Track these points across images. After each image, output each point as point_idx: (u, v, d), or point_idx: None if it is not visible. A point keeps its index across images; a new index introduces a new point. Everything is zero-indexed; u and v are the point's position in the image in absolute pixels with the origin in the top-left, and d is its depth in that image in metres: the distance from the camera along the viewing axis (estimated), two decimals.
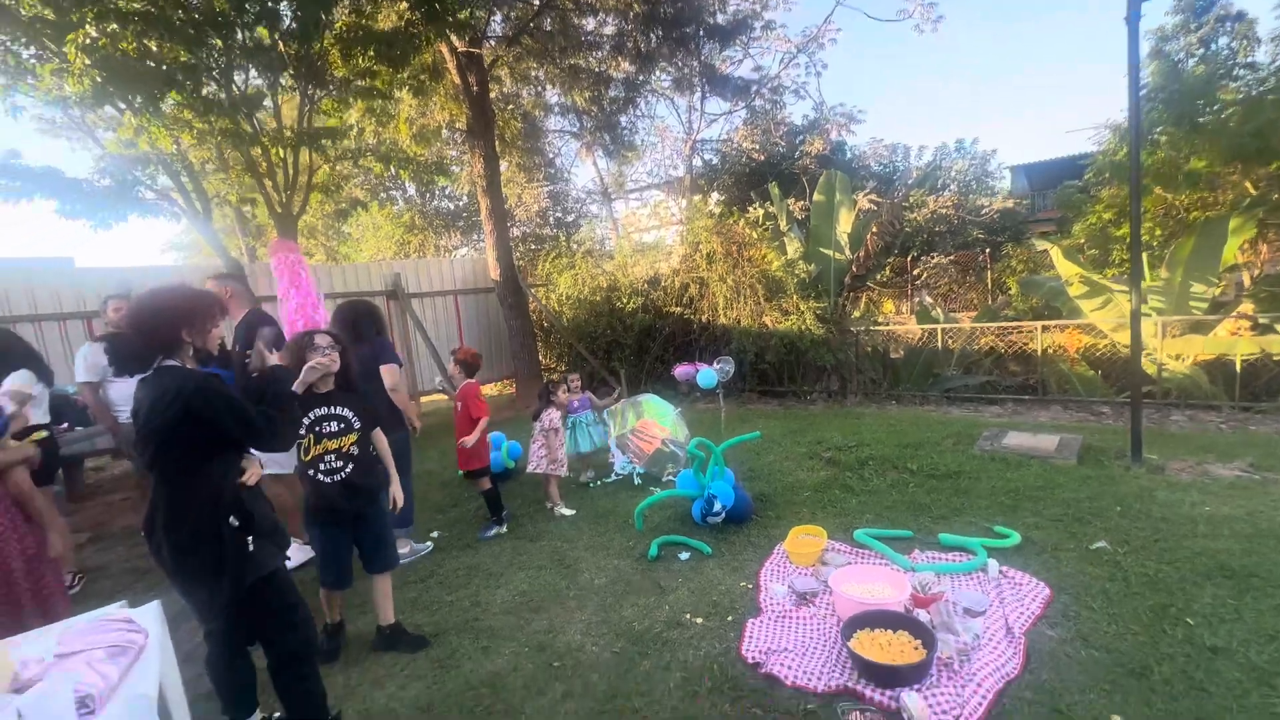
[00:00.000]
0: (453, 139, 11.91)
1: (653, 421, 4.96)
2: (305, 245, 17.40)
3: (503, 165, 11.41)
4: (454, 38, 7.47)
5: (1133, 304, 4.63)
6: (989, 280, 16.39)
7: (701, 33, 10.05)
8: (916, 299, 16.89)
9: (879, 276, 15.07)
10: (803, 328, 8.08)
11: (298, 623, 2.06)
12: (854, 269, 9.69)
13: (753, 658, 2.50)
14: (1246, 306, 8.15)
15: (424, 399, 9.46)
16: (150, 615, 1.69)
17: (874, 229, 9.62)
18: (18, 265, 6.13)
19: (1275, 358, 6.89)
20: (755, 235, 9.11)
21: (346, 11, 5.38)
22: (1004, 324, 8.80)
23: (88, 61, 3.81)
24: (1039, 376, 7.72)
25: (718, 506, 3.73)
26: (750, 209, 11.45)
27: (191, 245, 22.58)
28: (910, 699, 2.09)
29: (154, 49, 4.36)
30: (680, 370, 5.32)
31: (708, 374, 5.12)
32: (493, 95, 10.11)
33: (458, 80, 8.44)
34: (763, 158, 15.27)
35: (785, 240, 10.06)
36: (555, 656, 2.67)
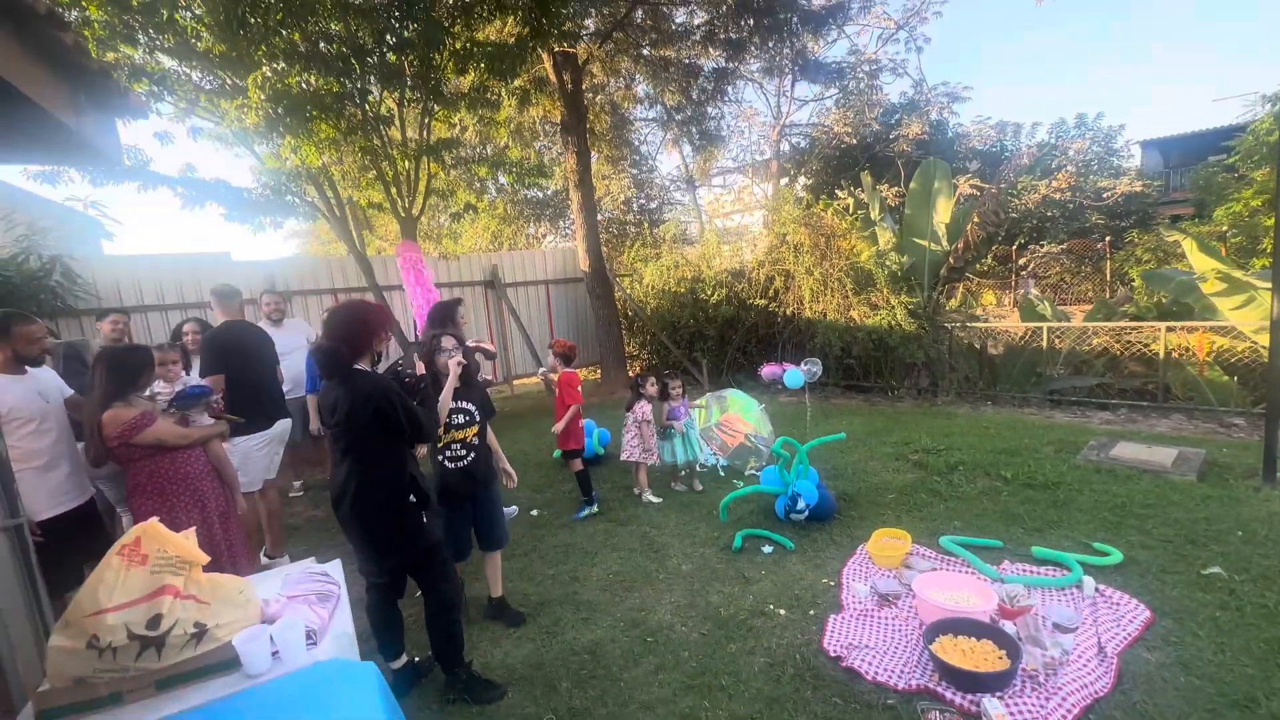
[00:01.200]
0: (544, 130, 12.40)
1: (737, 416, 5.12)
2: (422, 245, 18.77)
3: (593, 157, 11.77)
4: (554, 45, 7.80)
5: (1274, 306, 4.23)
6: (1107, 271, 14.98)
7: (796, 19, 9.82)
8: (1021, 290, 15.74)
9: (979, 266, 14.20)
10: (892, 323, 7.88)
11: (450, 576, 2.52)
12: (951, 260, 9.27)
13: (834, 651, 2.65)
14: None
15: (517, 382, 10.10)
16: (337, 570, 2.11)
17: (975, 218, 9.13)
18: (183, 260, 7.15)
19: None
20: (845, 225, 8.92)
21: (460, 27, 5.82)
22: (1120, 324, 8.12)
23: (264, 96, 4.46)
24: (1160, 381, 7.11)
25: (801, 504, 3.86)
26: (839, 195, 11.16)
27: (307, 233, 24.91)
28: (991, 704, 2.17)
29: (312, 81, 4.99)
30: (767, 370, 5.42)
31: (794, 375, 5.20)
32: (584, 88, 10.43)
33: (553, 79, 8.80)
34: (855, 141, 14.73)
35: (877, 230, 9.74)
36: (648, 633, 2.94)
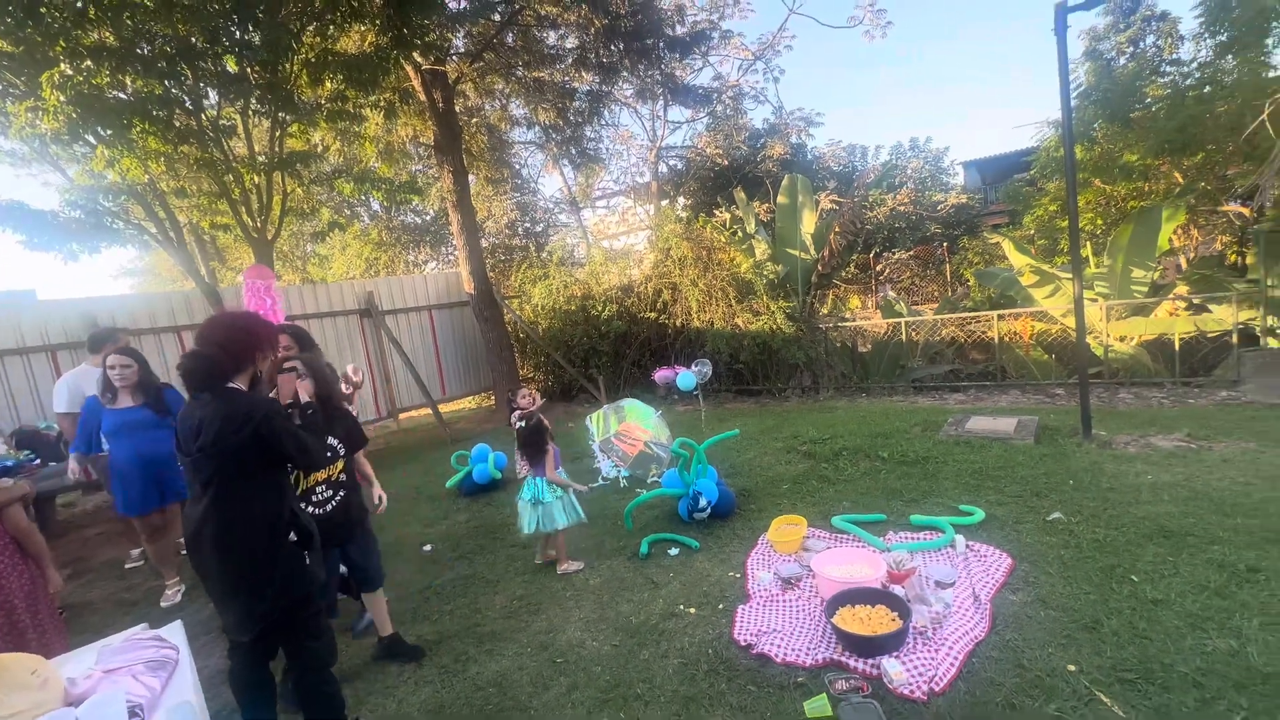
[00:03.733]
0: (418, 154, 11.92)
1: (635, 424, 5.11)
2: (278, 269, 17.14)
3: (470, 179, 11.48)
4: (419, 57, 7.55)
5: (1075, 291, 4.98)
6: (948, 273, 17.04)
7: (662, 45, 10.30)
8: (881, 294, 17.43)
9: (844, 273, 15.54)
10: (774, 327, 8.35)
11: (323, 631, 2.18)
12: (820, 268, 10.03)
13: (745, 640, 2.66)
14: (1181, 288, 8.72)
15: (404, 415, 9.45)
16: (177, 632, 1.77)
17: (836, 228, 9.99)
18: None
19: (1209, 335, 7.41)
20: (723, 239, 9.38)
21: (312, 35, 5.42)
22: (963, 315, 9.22)
23: (62, 98, 3.80)
24: (997, 363, 8.13)
25: (703, 503, 3.90)
26: (717, 213, 11.75)
27: (146, 270, 21.94)
28: (890, 664, 2.28)
29: (127, 83, 4.35)
30: (660, 374, 5.49)
31: (687, 376, 5.31)
32: (457, 109, 10.19)
33: (423, 97, 8.50)
34: (726, 163, 15.64)
35: (753, 243, 10.35)
36: (557, 654, 2.79)
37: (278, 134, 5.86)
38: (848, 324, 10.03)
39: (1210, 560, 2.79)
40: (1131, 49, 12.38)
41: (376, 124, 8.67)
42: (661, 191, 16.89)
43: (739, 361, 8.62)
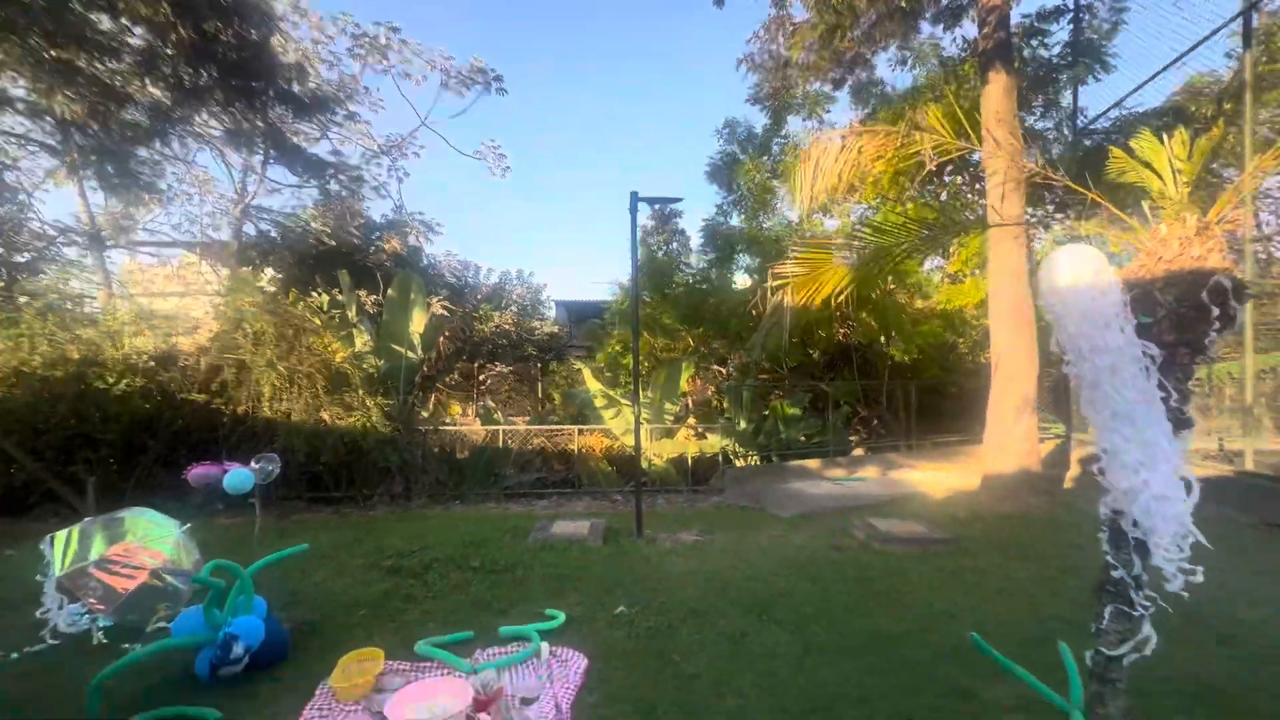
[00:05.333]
0: None
1: (139, 546, 3.59)
2: None
3: None
4: None
5: (634, 415, 6.13)
6: (540, 390, 19.11)
7: (273, 94, 9.06)
8: (481, 403, 18.12)
9: (449, 379, 15.63)
10: (368, 425, 7.53)
11: None
12: (425, 368, 9.78)
13: None
14: (692, 420, 11.85)
15: None
16: None
17: (446, 333, 10.06)
18: None
19: (707, 455, 10.14)
20: (319, 321, 8.24)
21: None
22: (551, 427, 10.29)
23: None
24: (575, 472, 9.21)
25: (239, 650, 2.88)
26: (315, 294, 10.40)
27: None
28: None
29: None
30: (197, 472, 4.12)
31: (240, 475, 4.11)
32: None
33: None
34: (334, 243, 14.34)
35: (354, 331, 9.44)
36: None
37: None
38: (449, 428, 9.89)
39: (721, 632, 3.50)
40: (666, 247, 17.41)
41: None
42: (244, 255, 14.11)
43: (319, 463, 7.33)
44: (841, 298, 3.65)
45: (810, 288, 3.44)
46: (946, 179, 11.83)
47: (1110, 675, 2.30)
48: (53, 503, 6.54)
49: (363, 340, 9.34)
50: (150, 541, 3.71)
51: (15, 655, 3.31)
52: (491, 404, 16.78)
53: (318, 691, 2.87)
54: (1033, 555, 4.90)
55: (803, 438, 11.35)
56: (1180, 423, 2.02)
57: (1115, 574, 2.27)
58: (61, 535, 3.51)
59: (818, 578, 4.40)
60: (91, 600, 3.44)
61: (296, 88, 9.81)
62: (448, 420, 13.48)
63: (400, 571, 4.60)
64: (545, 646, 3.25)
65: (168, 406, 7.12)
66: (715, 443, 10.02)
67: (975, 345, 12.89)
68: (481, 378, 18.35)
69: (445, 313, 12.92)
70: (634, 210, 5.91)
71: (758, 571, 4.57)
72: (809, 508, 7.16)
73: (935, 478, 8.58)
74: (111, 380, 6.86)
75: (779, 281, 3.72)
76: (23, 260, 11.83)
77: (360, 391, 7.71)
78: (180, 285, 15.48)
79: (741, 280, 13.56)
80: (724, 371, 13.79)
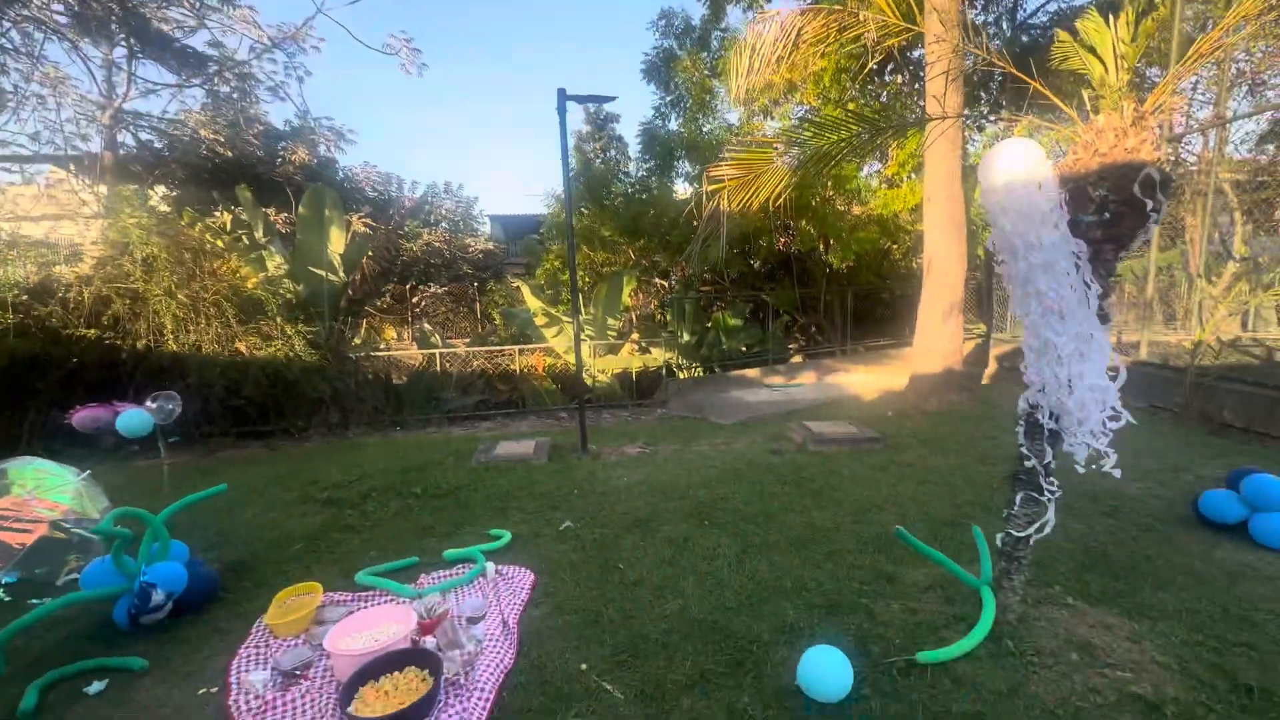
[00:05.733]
0: None
1: (31, 498, 3.28)
2: None
3: None
4: None
5: (574, 332, 5.98)
6: (478, 310, 18.49)
7: None
8: (417, 326, 17.44)
9: (379, 303, 14.86)
10: (291, 354, 7.07)
11: None
12: (351, 292, 9.20)
13: None
14: (635, 335, 11.82)
15: None
16: None
17: (370, 253, 9.38)
18: None
19: (651, 369, 10.21)
20: (221, 244, 7.46)
21: None
22: (491, 349, 10.01)
23: None
24: (519, 392, 9.10)
25: (159, 597, 2.73)
26: (217, 213, 9.37)
27: None
28: None
29: None
30: (80, 415, 3.74)
31: (134, 416, 3.77)
32: None
33: None
34: (231, 154, 12.79)
35: (264, 254, 8.64)
36: None
37: None
38: (382, 354, 9.46)
39: (664, 538, 3.61)
40: (603, 155, 16.51)
41: None
42: (123, 170, 12.40)
43: (241, 396, 6.89)
44: (780, 202, 3.51)
45: (748, 191, 3.28)
46: (888, 78, 11.53)
47: (1017, 553, 2.50)
48: None
49: (275, 263, 8.59)
50: (44, 492, 3.40)
51: None
52: (428, 327, 16.18)
53: (253, 630, 2.79)
54: (952, 448, 5.26)
55: (744, 348, 11.58)
56: (1103, 317, 2.07)
57: (1028, 464, 2.40)
58: None
59: (757, 481, 4.58)
60: None
61: None
62: (381, 345, 12.94)
63: (337, 503, 4.47)
64: (491, 566, 3.25)
65: (53, 344, 6.40)
66: (658, 356, 10.08)
67: (909, 251, 13.22)
68: (415, 300, 17.54)
69: (368, 230, 12.00)
70: (562, 110, 5.44)
71: (700, 479, 4.70)
72: (749, 415, 7.39)
73: (867, 380, 9.01)
74: None
75: (714, 185, 3.52)
76: None
77: (279, 319, 7.18)
78: (53, 207, 13.60)
79: (682, 190, 13.13)
80: (666, 285, 13.68)
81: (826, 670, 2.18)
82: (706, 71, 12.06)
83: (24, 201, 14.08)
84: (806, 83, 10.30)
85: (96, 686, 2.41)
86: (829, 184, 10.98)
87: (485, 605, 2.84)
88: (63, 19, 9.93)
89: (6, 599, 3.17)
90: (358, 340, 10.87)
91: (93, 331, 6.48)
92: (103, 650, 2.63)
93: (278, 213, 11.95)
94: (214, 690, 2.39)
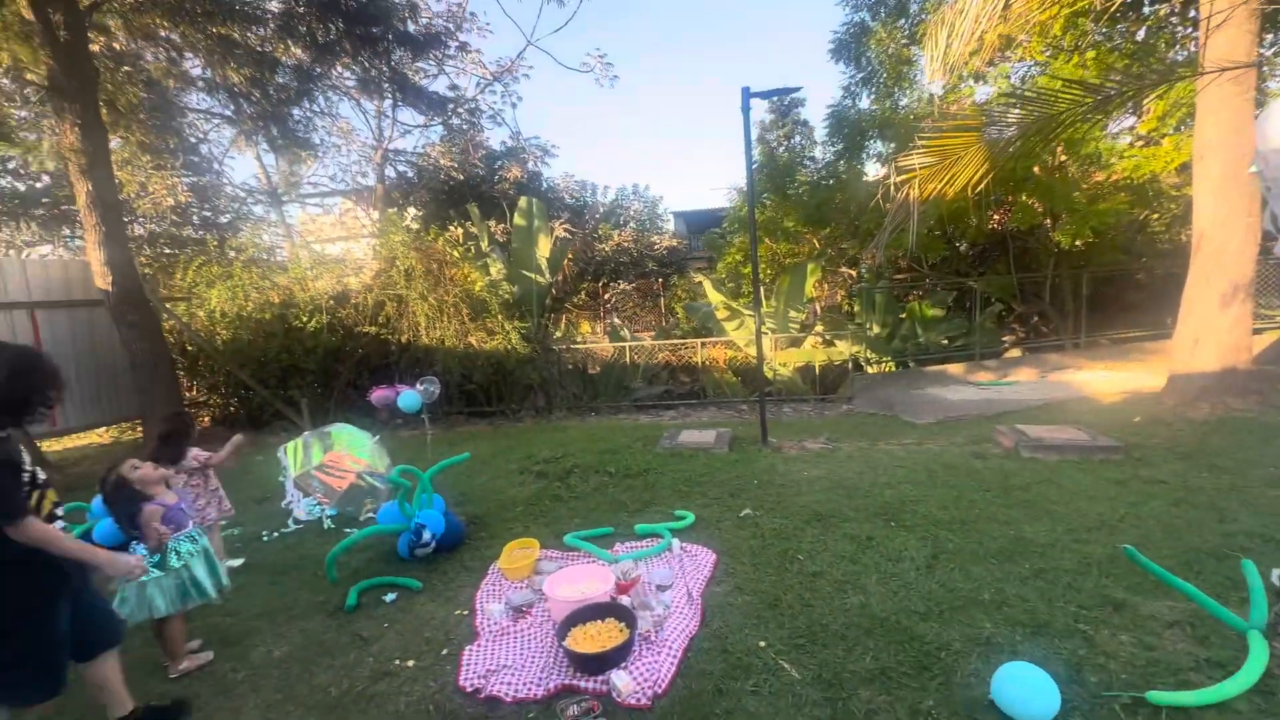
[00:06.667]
0: (24, 95, 8.64)
1: (345, 454, 4.39)
2: None
3: (115, 143, 8.74)
4: None
5: (756, 326, 6.06)
6: (663, 305, 19.37)
7: (391, 37, 9.48)
8: (608, 320, 18.86)
9: (576, 299, 16.39)
10: (509, 347, 8.25)
11: None
12: (554, 291, 10.34)
13: (471, 685, 2.42)
14: (820, 327, 11.41)
15: None
16: None
17: (570, 255, 10.44)
18: None
19: (836, 363, 9.80)
20: (457, 254, 8.96)
21: None
22: (675, 341, 10.51)
23: None
24: (700, 384, 9.43)
25: (427, 536, 3.52)
26: (451, 227, 11.21)
27: None
28: (618, 677, 2.31)
29: None
30: (377, 395, 4.86)
31: (410, 396, 4.80)
32: (97, 49, 7.69)
33: (29, 14, 6.18)
34: (462, 177, 15.15)
35: (488, 261, 10.14)
36: None
37: None
38: (580, 346, 10.50)
39: (845, 535, 3.57)
40: (787, 143, 16.08)
41: None
42: (389, 198, 15.47)
43: (472, 382, 8.26)
44: (980, 185, 3.19)
45: (942, 178, 3.03)
46: (1148, 8, 9.40)
47: None
48: (280, 420, 8.10)
49: (496, 269, 10.03)
50: (353, 450, 4.52)
51: (274, 534, 4.34)
52: (618, 321, 17.42)
53: (489, 571, 3.44)
54: (1227, 466, 4.27)
55: (945, 340, 10.52)
56: None
57: None
58: (290, 445, 4.39)
59: (953, 485, 4.24)
60: (319, 496, 4.33)
61: (411, 27, 10.14)
62: (579, 339, 14.28)
63: (547, 475, 5.19)
64: (676, 542, 3.55)
65: (348, 338, 8.33)
66: (844, 350, 9.63)
67: (1174, 221, 10.72)
68: (606, 296, 18.96)
69: (567, 235, 13.34)
70: (746, 108, 5.53)
71: (887, 478, 4.50)
72: (948, 414, 6.77)
73: (1108, 379, 7.61)
74: (305, 319, 8.14)
75: (905, 176, 3.31)
76: (225, 221, 14.07)
77: (499, 317, 8.41)
78: (343, 231, 17.49)
79: (873, 173, 12.27)
80: (854, 274, 12.93)
81: (1031, 690, 2.04)
82: (904, 40, 11.06)
83: (325, 227, 18.29)
84: (1030, 35, 8.91)
85: (390, 597, 3.22)
86: (1059, 149, 9.39)
87: (672, 576, 3.14)
88: (351, 83, 12.69)
89: (331, 527, 4.32)
90: (558, 334, 12.21)
91: (373, 328, 8.29)
92: (393, 571, 3.48)
93: (496, 224, 13.88)
94: (465, 613, 3.03)
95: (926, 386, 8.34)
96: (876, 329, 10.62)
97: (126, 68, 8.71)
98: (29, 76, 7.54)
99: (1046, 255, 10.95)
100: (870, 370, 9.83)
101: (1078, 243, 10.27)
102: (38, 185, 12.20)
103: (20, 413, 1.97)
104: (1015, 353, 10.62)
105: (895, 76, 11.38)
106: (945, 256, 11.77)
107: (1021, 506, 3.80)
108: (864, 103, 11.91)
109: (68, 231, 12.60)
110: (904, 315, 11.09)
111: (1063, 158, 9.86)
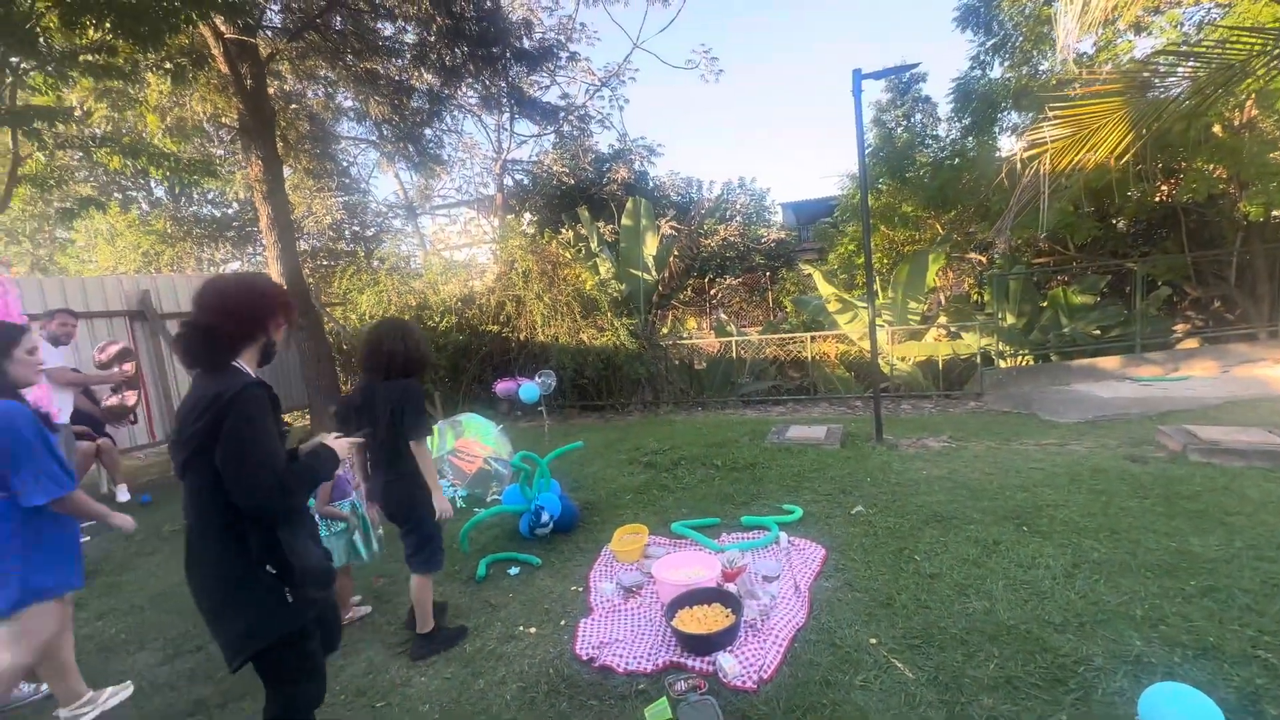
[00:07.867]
0: (219, 136, 10.32)
1: (474, 440, 4.84)
2: (6, 252, 13.52)
3: (286, 170, 10.19)
4: (219, 21, 6.55)
5: (870, 318, 5.80)
6: (770, 299, 18.95)
7: (509, 55, 10.15)
8: (714, 316, 18.80)
9: (682, 296, 16.51)
10: (618, 343, 8.54)
11: (305, 675, 1.80)
12: (660, 289, 10.52)
13: (586, 654, 2.60)
14: (943, 319, 10.61)
15: None
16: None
17: (675, 252, 10.57)
18: None
19: (963, 357, 9.09)
20: (569, 255, 9.41)
21: None
22: (783, 336, 10.27)
23: None
24: (810, 379, 9.15)
25: (545, 517, 3.79)
26: (563, 230, 11.79)
27: None
28: (724, 659, 2.37)
29: None
30: (501, 386, 5.28)
31: (530, 388, 5.17)
32: (272, 91, 9.02)
33: (225, 69, 7.38)
34: (572, 181, 15.83)
35: (597, 261, 10.54)
36: (378, 697, 2.48)
37: (7, 81, 4.57)
38: (686, 342, 10.61)
39: (968, 537, 3.35)
40: (905, 122, 15.04)
41: (161, 91, 7.33)
42: (507, 205, 16.56)
43: (583, 376, 8.65)
44: (1129, 155, 2.82)
45: (1079, 150, 2.71)
46: None
47: None
48: None
49: (606, 268, 10.40)
50: (481, 437, 4.97)
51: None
52: (724, 316, 17.31)
53: (602, 553, 3.64)
54: None
55: (1096, 331, 9.35)
56: None
57: None
58: (433, 429, 4.93)
59: (1102, 490, 3.81)
60: (450, 477, 4.81)
61: (526, 43, 10.79)
62: (685, 334, 14.39)
63: (655, 466, 5.34)
64: (784, 535, 3.54)
65: (474, 337, 9.07)
66: (972, 342, 8.89)
67: None
68: (712, 291, 18.90)
69: (673, 232, 13.48)
70: (858, 91, 5.30)
71: (1020, 481, 4.14)
72: (1099, 413, 6.05)
73: None
74: (438, 319, 8.99)
75: (1034, 150, 3.02)
76: (371, 234, 15.83)
77: (609, 314, 8.73)
78: (467, 238, 18.98)
79: (1008, 147, 11.15)
80: (984, 260, 11.87)
81: (1190, 714, 1.83)
82: None
83: (453, 236, 19.93)
84: None
85: (514, 570, 3.52)
86: (1249, 102, 7.98)
87: (779, 568, 3.14)
88: (473, 101, 13.75)
89: (463, 506, 4.77)
90: (665, 330, 12.40)
91: (495, 327, 8.95)
92: (516, 547, 3.79)
93: (605, 225, 14.35)
94: (579, 589, 3.24)
95: (1072, 382, 7.48)
96: (1011, 319, 9.67)
97: (294, 105, 10.12)
98: (223, 120, 9.02)
99: (1232, 230, 9.34)
100: (1003, 364, 8.98)
101: (1275, 214, 8.65)
102: (230, 211, 14.53)
103: (422, 369, 2.91)
104: (1191, 343, 9.18)
105: (1034, 39, 10.25)
106: (1097, 236, 10.43)
107: (1188, 517, 3.34)
108: (995, 72, 10.86)
109: (250, 249, 14.88)
110: (1045, 304, 10.00)
111: (1253, 113, 8.36)
